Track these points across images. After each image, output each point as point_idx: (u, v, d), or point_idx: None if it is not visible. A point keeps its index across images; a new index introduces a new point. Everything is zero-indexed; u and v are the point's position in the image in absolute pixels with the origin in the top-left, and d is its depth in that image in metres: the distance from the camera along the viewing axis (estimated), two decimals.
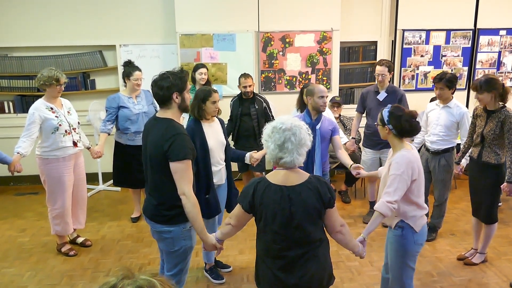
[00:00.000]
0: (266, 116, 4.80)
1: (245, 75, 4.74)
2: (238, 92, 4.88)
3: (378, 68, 4.46)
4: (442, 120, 4.02)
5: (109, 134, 4.47)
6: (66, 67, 5.70)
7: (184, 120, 4.90)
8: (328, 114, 4.31)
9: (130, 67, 4.45)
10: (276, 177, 2.15)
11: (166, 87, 2.47)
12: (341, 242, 2.32)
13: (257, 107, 4.77)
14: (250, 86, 4.72)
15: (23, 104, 5.80)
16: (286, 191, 2.09)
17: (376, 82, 4.57)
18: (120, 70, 4.96)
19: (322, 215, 2.15)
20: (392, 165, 2.60)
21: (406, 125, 2.61)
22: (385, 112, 2.67)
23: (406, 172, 2.55)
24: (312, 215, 2.10)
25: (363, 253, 2.44)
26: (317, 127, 3.59)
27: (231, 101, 4.91)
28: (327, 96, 3.65)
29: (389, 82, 4.55)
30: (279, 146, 2.09)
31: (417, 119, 2.67)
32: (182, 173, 2.44)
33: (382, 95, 4.50)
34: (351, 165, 3.45)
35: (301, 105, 4.44)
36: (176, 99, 2.51)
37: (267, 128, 2.15)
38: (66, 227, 4.02)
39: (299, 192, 2.09)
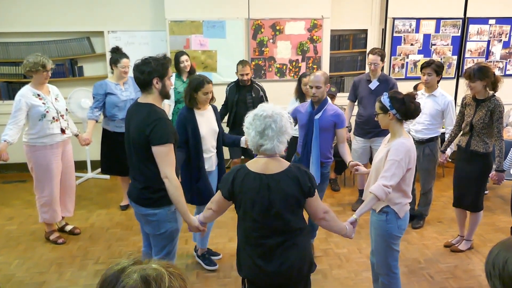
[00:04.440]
0: None
1: (242, 63, 4.71)
2: (228, 79, 4.85)
3: (370, 56, 4.46)
4: (428, 108, 4.04)
5: (96, 121, 4.42)
6: (53, 54, 5.59)
7: (170, 107, 4.86)
8: None
9: (117, 54, 4.39)
10: (256, 165, 2.16)
11: (147, 72, 2.50)
12: (326, 228, 2.36)
13: (253, 95, 4.75)
14: (247, 74, 4.70)
15: (9, 91, 5.69)
16: (265, 179, 2.10)
17: (368, 70, 4.57)
18: (108, 56, 4.88)
19: (302, 204, 2.16)
20: (391, 150, 2.60)
21: (411, 106, 2.60)
22: (385, 98, 2.65)
23: (404, 160, 2.57)
24: (291, 204, 2.11)
25: (352, 234, 2.44)
26: (316, 117, 3.47)
27: (228, 86, 4.87)
28: (317, 87, 3.42)
29: (381, 70, 4.55)
30: (259, 133, 2.09)
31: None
32: (164, 157, 2.48)
33: (374, 84, 4.50)
34: (349, 162, 3.36)
35: (299, 94, 4.48)
36: (156, 85, 2.54)
37: (249, 116, 2.15)
38: (54, 215, 3.99)
39: (278, 181, 2.10)
